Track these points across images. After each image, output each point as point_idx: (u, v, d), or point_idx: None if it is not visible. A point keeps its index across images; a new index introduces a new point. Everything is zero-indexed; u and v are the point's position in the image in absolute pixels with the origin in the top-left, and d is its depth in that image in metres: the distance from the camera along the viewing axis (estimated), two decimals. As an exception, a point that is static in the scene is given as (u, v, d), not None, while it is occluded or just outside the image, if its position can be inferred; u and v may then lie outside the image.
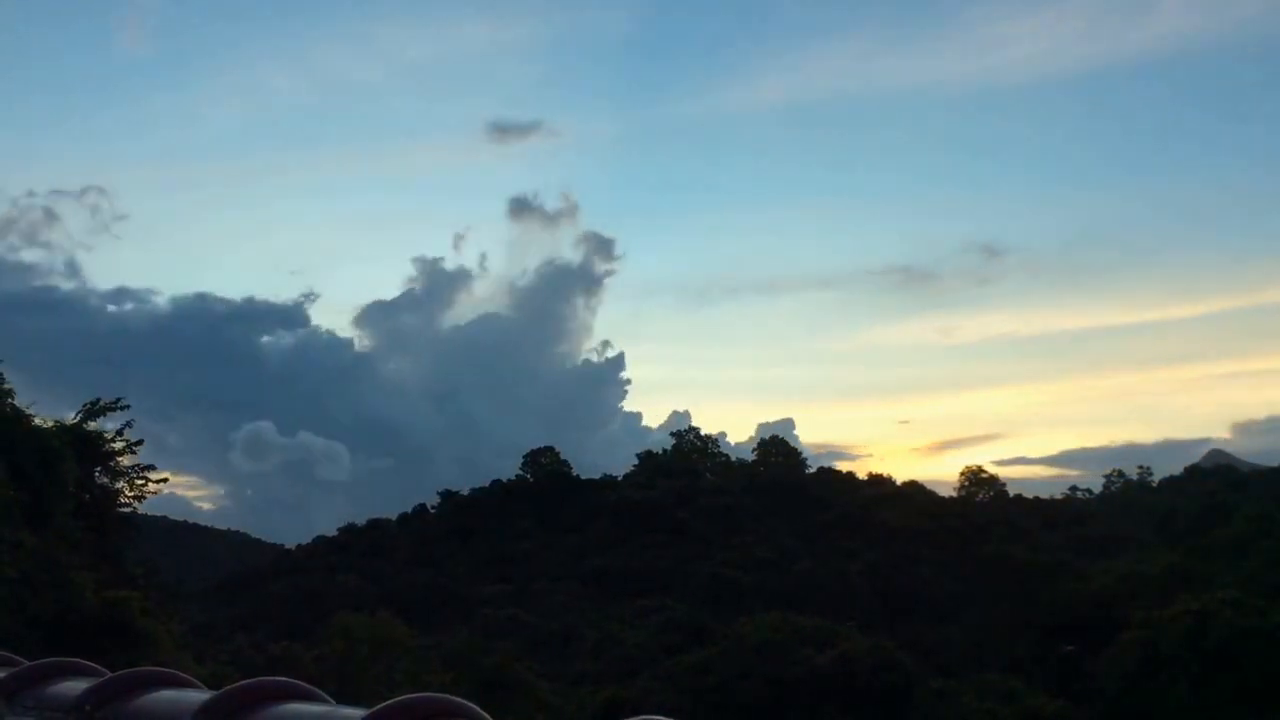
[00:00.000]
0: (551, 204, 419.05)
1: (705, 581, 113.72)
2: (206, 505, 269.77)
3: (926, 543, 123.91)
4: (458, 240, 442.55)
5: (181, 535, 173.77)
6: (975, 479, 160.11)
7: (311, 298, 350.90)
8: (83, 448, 35.75)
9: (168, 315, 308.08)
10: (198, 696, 3.71)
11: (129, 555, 41.75)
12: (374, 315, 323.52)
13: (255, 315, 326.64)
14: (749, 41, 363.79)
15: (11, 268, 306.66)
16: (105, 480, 38.72)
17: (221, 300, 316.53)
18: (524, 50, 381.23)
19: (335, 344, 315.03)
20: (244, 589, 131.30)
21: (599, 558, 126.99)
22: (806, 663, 67.75)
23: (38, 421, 33.30)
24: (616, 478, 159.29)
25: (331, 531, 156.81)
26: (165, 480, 40.59)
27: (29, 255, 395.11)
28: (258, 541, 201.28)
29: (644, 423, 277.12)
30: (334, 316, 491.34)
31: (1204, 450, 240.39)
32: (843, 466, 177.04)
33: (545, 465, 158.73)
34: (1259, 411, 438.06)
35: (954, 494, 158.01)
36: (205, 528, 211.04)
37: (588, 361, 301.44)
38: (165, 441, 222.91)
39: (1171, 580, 76.69)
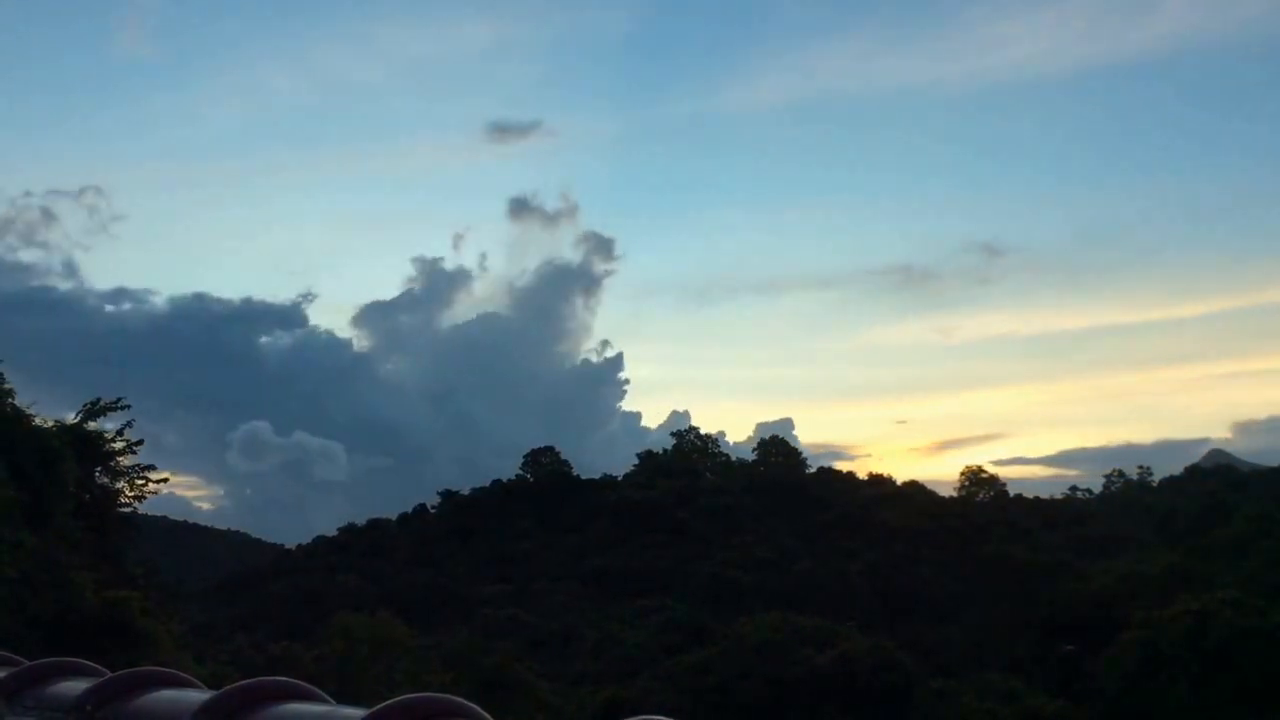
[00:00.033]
0: (551, 204, 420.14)
1: (705, 581, 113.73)
2: (206, 505, 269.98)
3: (926, 543, 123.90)
4: (457, 240, 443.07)
5: (181, 535, 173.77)
6: (975, 479, 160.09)
7: (309, 298, 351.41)
8: (83, 448, 35.73)
9: (166, 315, 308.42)
10: (198, 696, 3.71)
11: (129, 555, 41.74)
12: (372, 315, 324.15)
13: (254, 315, 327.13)
14: (748, 41, 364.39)
15: (9, 268, 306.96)
16: (105, 480, 38.71)
17: (220, 300, 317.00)
18: (524, 50, 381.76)
19: (334, 344, 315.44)
20: (244, 589, 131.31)
21: (599, 558, 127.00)
22: (806, 663, 67.75)
23: (38, 421, 33.29)
24: (616, 478, 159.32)
25: (331, 531, 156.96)
26: (165, 480, 40.57)
27: (27, 255, 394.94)
28: (258, 541, 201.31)
29: (643, 423, 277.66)
30: (333, 316, 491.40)
31: (1204, 450, 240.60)
32: (842, 466, 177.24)
33: (545, 465, 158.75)
34: (1259, 411, 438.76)
35: (954, 494, 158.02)
36: (205, 528, 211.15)
37: (587, 361, 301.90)
38: (163, 442, 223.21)
39: (1171, 580, 76.67)
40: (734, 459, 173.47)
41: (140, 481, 38.95)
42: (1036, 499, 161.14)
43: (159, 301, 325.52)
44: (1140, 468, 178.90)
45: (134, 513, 40.99)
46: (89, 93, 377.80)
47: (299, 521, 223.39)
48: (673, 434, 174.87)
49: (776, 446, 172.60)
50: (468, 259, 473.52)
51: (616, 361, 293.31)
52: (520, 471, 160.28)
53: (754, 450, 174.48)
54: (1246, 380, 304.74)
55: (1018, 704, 64.49)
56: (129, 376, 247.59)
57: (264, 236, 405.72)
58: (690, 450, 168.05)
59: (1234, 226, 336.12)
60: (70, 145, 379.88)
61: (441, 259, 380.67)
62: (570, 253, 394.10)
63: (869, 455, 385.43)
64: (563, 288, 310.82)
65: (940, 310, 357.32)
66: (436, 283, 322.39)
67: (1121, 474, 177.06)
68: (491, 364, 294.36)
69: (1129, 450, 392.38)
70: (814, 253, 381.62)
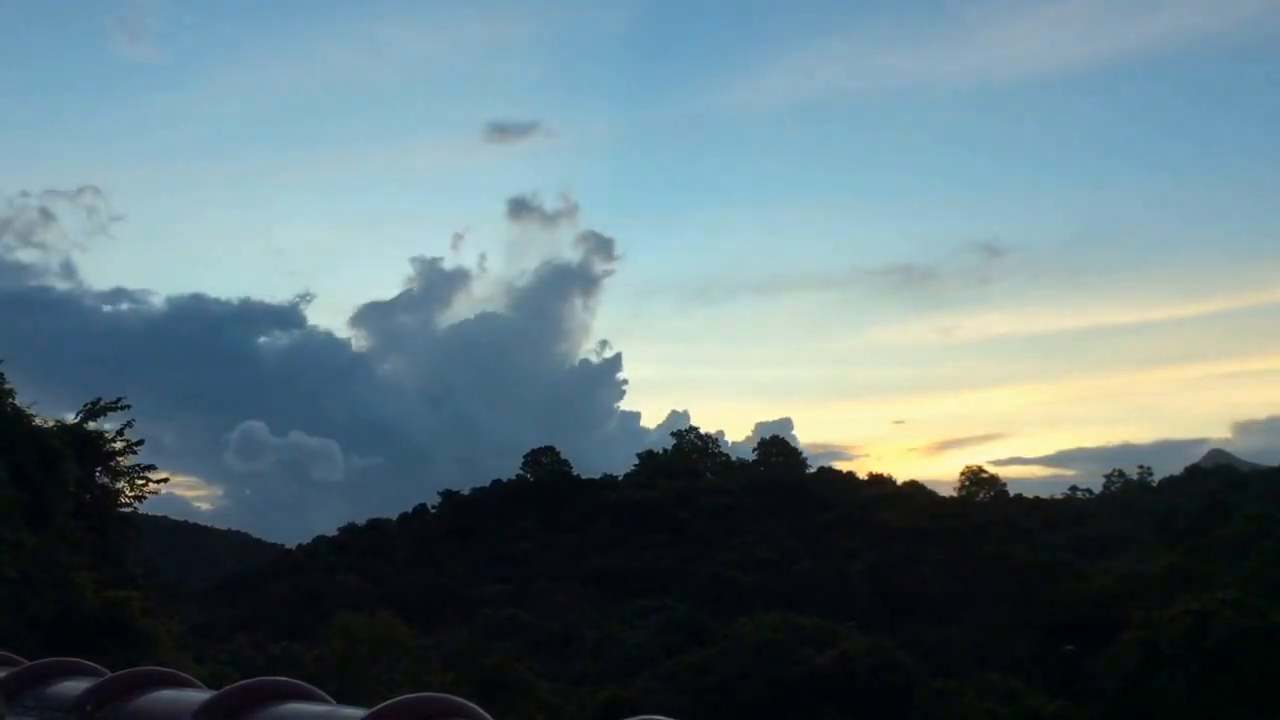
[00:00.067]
0: (551, 204, 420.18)
1: (705, 581, 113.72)
2: (205, 505, 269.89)
3: (926, 543, 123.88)
4: (456, 240, 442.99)
5: (181, 535, 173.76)
6: (975, 479, 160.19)
7: (308, 298, 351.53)
8: (83, 448, 35.74)
9: (164, 315, 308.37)
10: (198, 696, 3.71)
11: (129, 555, 41.74)
12: (371, 315, 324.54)
13: (252, 316, 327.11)
14: (748, 41, 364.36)
15: (7, 268, 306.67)
16: (105, 480, 38.72)
17: (218, 301, 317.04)
18: (523, 50, 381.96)
19: (332, 344, 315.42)
20: (244, 589, 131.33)
21: (599, 558, 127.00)
22: (806, 663, 67.75)
23: (38, 421, 33.29)
24: (617, 478, 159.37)
25: (331, 531, 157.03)
26: (165, 480, 40.58)
27: (25, 255, 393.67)
28: (258, 541, 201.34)
29: (642, 423, 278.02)
30: (331, 317, 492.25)
31: (1204, 450, 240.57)
32: (841, 466, 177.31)
33: (546, 465, 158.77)
34: (1259, 411, 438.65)
35: (954, 494, 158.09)
36: (205, 528, 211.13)
37: (586, 361, 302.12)
38: (162, 442, 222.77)
39: (1171, 580, 76.67)
40: (734, 459, 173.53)
41: (140, 481, 38.96)
42: (1036, 499, 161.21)
43: (157, 302, 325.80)
44: (1140, 468, 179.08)
45: (134, 513, 41.00)
46: (87, 92, 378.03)
47: (299, 521, 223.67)
48: (673, 434, 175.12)
49: (776, 446, 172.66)
50: (467, 259, 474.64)
51: (615, 362, 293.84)
52: (520, 471, 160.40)
53: (754, 450, 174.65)
54: (1246, 380, 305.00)
55: (1018, 704, 64.49)
56: (127, 377, 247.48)
57: (262, 237, 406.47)
58: (690, 450, 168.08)
59: (1234, 226, 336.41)
60: (68, 145, 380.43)
61: (441, 259, 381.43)
62: (570, 253, 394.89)
63: (867, 455, 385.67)
64: (562, 288, 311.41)
65: (940, 310, 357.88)
66: (435, 283, 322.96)
67: (1121, 474, 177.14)
68: (490, 364, 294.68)
69: (1128, 450, 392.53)
70: (814, 253, 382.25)
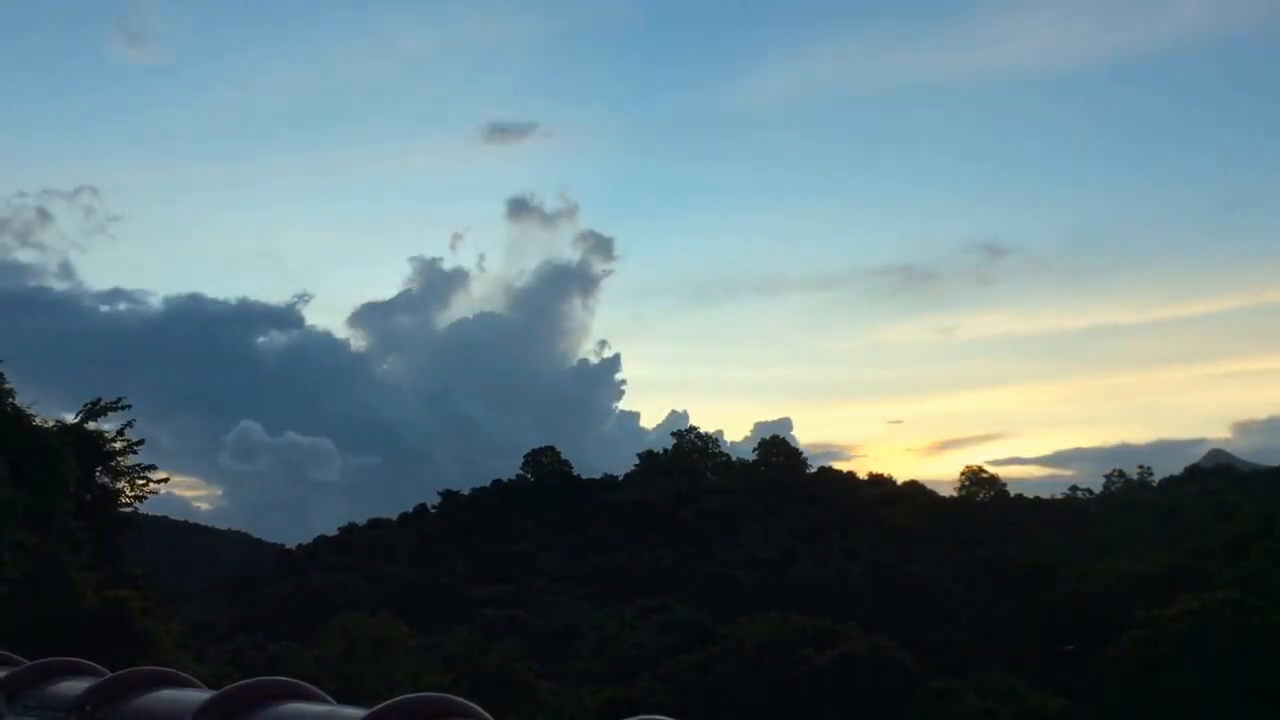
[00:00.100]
0: (550, 204, 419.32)
1: (705, 581, 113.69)
2: (205, 506, 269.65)
3: (926, 543, 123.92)
4: (455, 240, 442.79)
5: (182, 535, 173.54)
6: (975, 479, 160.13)
7: (306, 298, 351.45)
8: (83, 448, 35.75)
9: (162, 316, 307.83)
10: (198, 696, 3.72)
11: (129, 555, 41.76)
12: (370, 315, 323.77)
13: (250, 316, 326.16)
14: (747, 42, 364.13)
15: (5, 268, 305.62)
16: (106, 480, 38.74)
17: (216, 301, 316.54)
18: (522, 50, 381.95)
19: (331, 344, 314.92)
20: (244, 589, 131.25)
21: (599, 558, 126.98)
22: (806, 663, 67.73)
23: (38, 421, 33.30)
24: (617, 478, 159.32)
25: (331, 531, 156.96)
26: (166, 480, 40.66)
27: (22, 256, 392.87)
28: (258, 541, 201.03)
29: (641, 423, 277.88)
30: (330, 317, 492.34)
31: (1204, 450, 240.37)
32: (840, 466, 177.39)
33: (546, 465, 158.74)
34: (1259, 411, 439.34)
35: (954, 494, 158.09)
36: (205, 528, 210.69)
37: (585, 361, 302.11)
38: (161, 443, 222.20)
39: (1171, 580, 76.61)
40: (734, 459, 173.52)
41: (140, 481, 39.00)
42: (1037, 499, 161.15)
43: (155, 302, 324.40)
44: (1140, 468, 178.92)
45: (134, 513, 41.04)
46: (84, 92, 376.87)
47: (299, 521, 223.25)
48: (673, 434, 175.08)
49: (777, 446, 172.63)
50: (466, 259, 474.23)
51: (614, 362, 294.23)
52: (520, 471, 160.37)
53: (754, 450, 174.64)
54: (1246, 380, 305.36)
55: (1018, 704, 64.48)
56: (125, 377, 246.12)
57: (260, 237, 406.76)
58: (690, 450, 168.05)
59: (1235, 227, 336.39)
60: (65, 145, 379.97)
61: (440, 259, 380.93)
62: (569, 252, 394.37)
63: (865, 455, 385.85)
64: (561, 288, 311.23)
65: (940, 310, 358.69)
66: (435, 283, 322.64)
67: (1121, 474, 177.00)
68: (489, 364, 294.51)
69: (1128, 450, 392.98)
70: (814, 253, 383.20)
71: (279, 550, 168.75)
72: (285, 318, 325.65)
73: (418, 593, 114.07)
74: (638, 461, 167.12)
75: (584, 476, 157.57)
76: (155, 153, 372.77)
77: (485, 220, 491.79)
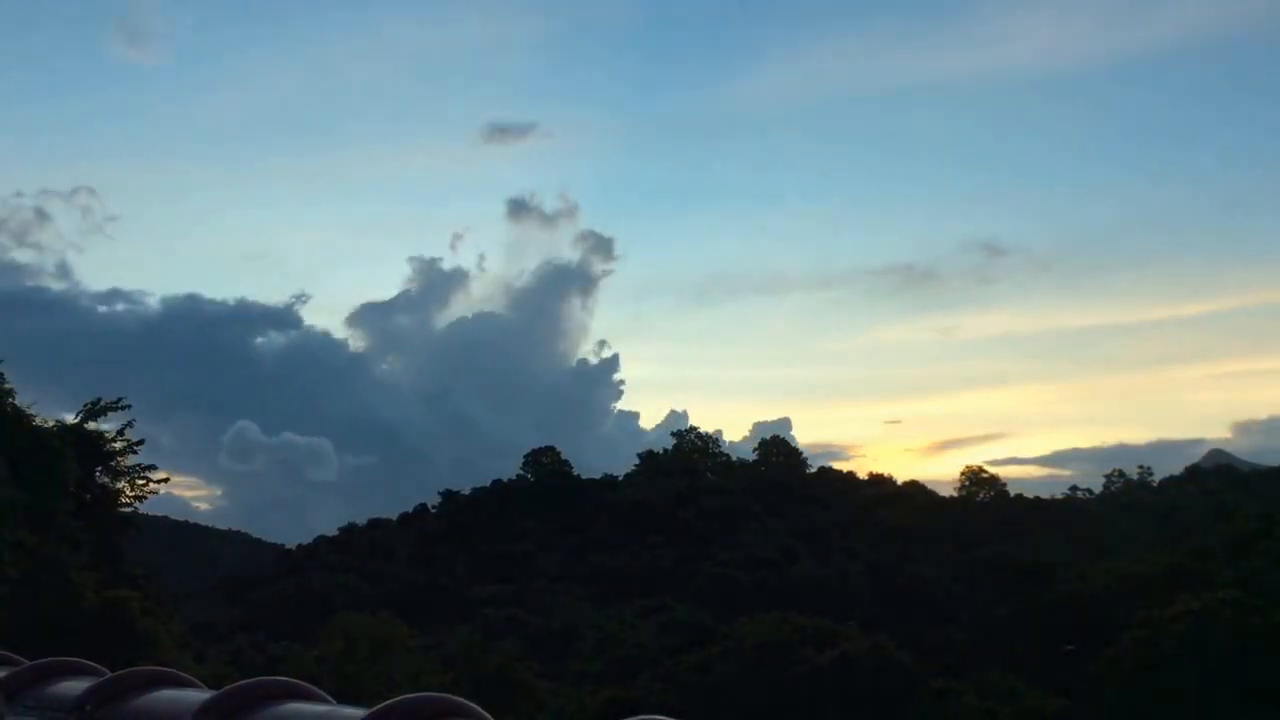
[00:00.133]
0: (550, 204, 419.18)
1: (705, 581, 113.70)
2: (205, 506, 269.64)
3: (926, 543, 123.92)
4: (455, 240, 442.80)
5: (182, 535, 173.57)
6: (975, 479, 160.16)
7: (304, 299, 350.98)
8: (83, 448, 35.76)
9: (159, 316, 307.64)
10: (198, 696, 3.72)
11: (129, 555, 41.77)
12: (369, 315, 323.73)
13: (248, 316, 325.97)
14: (747, 42, 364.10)
15: (2, 268, 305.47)
16: (106, 480, 38.75)
17: (214, 301, 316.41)
18: (522, 50, 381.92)
19: (329, 344, 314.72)
20: (244, 589, 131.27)
21: (599, 558, 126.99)
22: (806, 663, 67.73)
23: (38, 422, 33.30)
24: (617, 478, 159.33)
25: (332, 531, 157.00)
26: (166, 480, 40.66)
27: (20, 256, 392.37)
28: (258, 541, 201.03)
29: (640, 423, 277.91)
30: (329, 317, 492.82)
31: (1204, 450, 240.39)
32: (840, 466, 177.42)
33: (546, 465, 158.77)
34: (1259, 411, 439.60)
35: (954, 494, 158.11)
36: (205, 528, 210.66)
37: (584, 362, 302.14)
38: (160, 443, 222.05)
39: (1172, 580, 76.62)
40: (734, 459, 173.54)
41: (141, 481, 39.00)
42: (1037, 499, 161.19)
43: (152, 302, 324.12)
44: (1140, 468, 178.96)
45: (134, 513, 41.04)
46: (83, 92, 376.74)
47: (299, 521, 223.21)
48: (673, 434, 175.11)
49: (777, 446, 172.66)
50: (466, 259, 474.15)
51: (613, 362, 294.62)
52: (521, 471, 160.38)
53: (754, 450, 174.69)
54: (1246, 380, 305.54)
55: (1018, 704, 64.48)
56: (123, 378, 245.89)
57: (259, 237, 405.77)
58: (690, 450, 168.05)
59: (1235, 227, 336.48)
60: (63, 145, 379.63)
61: (439, 259, 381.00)
62: (569, 252, 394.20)
63: (865, 455, 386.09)
64: (561, 288, 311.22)
65: (941, 310, 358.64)
66: (434, 283, 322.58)
67: (1121, 474, 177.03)
68: (488, 364, 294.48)
69: (1128, 450, 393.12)
70: (814, 253, 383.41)
71: (279, 550, 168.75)
72: (283, 318, 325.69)
73: (418, 593, 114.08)
74: (637, 461, 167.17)
75: (584, 476, 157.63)
76: (153, 153, 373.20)
77: (485, 220, 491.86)
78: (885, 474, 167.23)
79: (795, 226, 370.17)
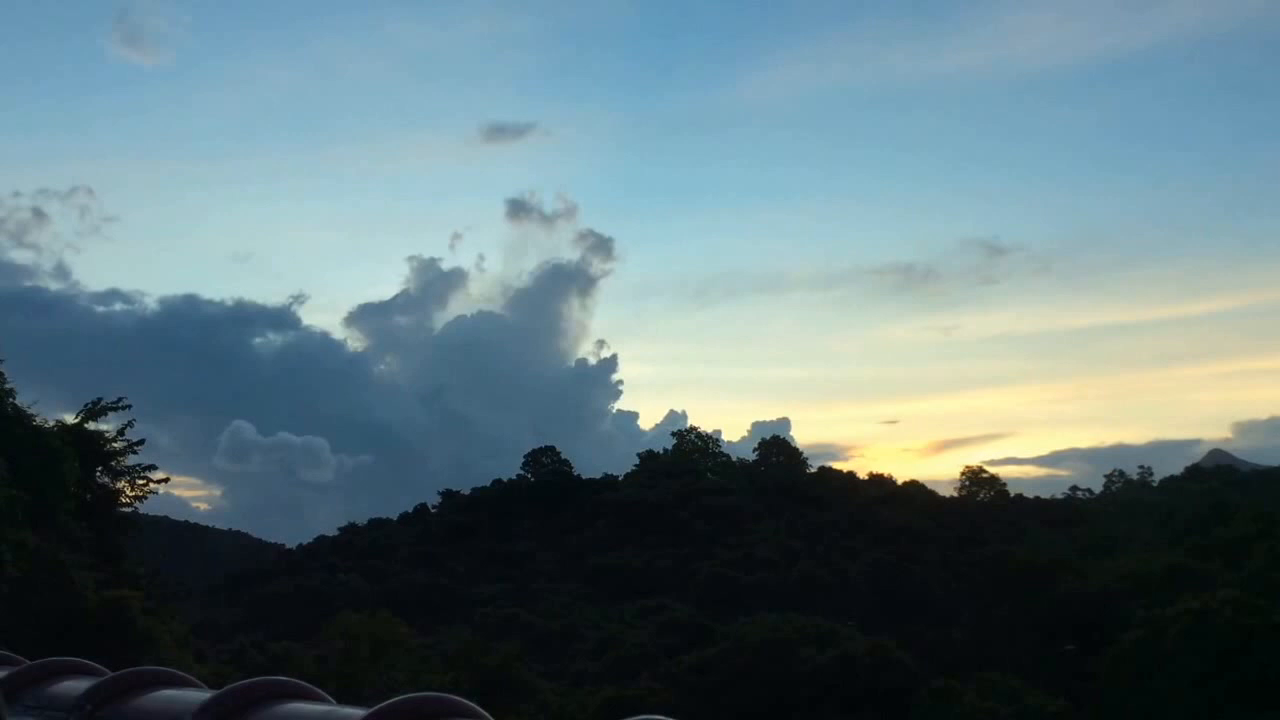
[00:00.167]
0: (549, 204, 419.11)
1: (705, 581, 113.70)
2: (205, 506, 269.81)
3: (926, 543, 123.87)
4: (454, 240, 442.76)
5: (182, 535, 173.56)
6: (975, 479, 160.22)
7: (302, 299, 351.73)
8: (83, 448, 35.76)
9: (158, 316, 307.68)
10: (198, 696, 3.72)
11: (129, 555, 41.76)
12: (367, 316, 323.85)
13: (247, 317, 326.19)
14: (746, 41, 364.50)
15: (0, 268, 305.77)
16: (106, 480, 38.76)
17: (212, 301, 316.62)
18: (521, 50, 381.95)
19: (328, 345, 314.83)
20: (244, 589, 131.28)
21: (599, 558, 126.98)
22: (806, 663, 67.72)
23: (39, 421, 33.30)
24: (617, 478, 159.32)
25: (332, 531, 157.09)
26: (166, 480, 40.67)
27: (17, 256, 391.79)
28: (258, 541, 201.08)
29: (639, 423, 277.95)
30: (327, 317, 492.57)
31: (1204, 450, 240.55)
32: (840, 466, 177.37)
33: (546, 465, 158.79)
34: (1259, 411, 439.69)
35: (954, 494, 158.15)
36: (205, 528, 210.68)
37: (583, 362, 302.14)
38: (158, 443, 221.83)
39: (1172, 580, 76.59)
40: (733, 459, 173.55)
41: (141, 481, 39.01)
42: (1037, 499, 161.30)
43: (150, 303, 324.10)
44: (1140, 468, 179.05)
45: (134, 513, 41.05)
46: (81, 92, 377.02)
47: (299, 521, 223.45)
48: (673, 433, 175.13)
49: (777, 446, 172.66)
50: (465, 259, 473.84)
51: (612, 362, 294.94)
52: (520, 471, 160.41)
53: (754, 450, 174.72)
54: (1246, 380, 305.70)
55: (1018, 704, 64.44)
56: (121, 378, 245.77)
57: (257, 237, 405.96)
58: (690, 450, 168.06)
59: (1235, 226, 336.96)
60: (60, 144, 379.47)
61: (439, 259, 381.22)
62: (568, 252, 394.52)
63: (865, 455, 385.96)
64: (560, 288, 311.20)
65: (941, 309, 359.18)
66: (433, 283, 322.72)
67: (1121, 474, 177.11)
68: (487, 364, 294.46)
69: (1128, 450, 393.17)
70: (814, 253, 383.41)
71: (279, 550, 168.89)
72: (282, 318, 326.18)
73: (418, 593, 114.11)
74: (637, 461, 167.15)
75: (583, 476, 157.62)
76: (151, 153, 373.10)
77: (484, 220, 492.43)
78: (885, 474, 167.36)
79: (795, 226, 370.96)
